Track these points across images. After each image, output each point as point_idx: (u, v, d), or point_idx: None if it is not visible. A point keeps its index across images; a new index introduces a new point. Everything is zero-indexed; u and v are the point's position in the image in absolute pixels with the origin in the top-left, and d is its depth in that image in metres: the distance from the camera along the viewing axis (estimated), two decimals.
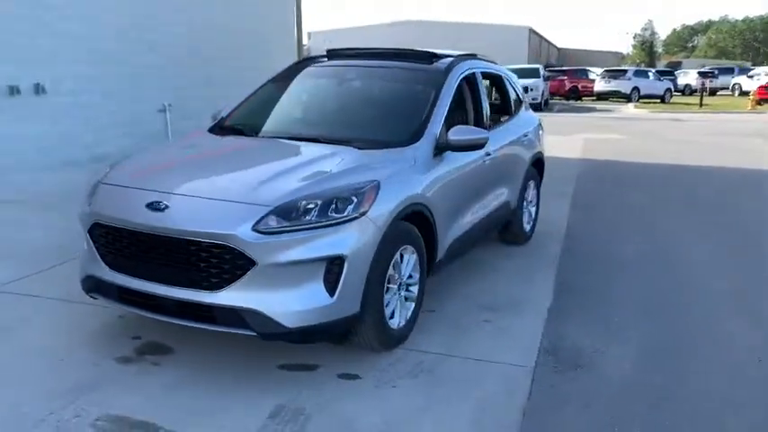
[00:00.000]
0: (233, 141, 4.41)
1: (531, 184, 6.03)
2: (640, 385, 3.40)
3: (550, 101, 31.22)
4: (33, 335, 3.87)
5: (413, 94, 4.53)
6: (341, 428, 2.93)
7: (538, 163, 6.20)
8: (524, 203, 5.87)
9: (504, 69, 5.88)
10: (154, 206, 3.29)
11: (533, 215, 6.24)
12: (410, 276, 3.82)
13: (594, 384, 3.40)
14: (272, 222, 3.12)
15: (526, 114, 6.07)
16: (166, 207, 3.27)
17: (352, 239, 3.24)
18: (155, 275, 3.27)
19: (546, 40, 65.11)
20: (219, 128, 4.64)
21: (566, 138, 15.22)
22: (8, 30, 8.82)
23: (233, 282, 3.12)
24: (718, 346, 3.92)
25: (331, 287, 3.20)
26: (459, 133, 4.14)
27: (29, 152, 9.11)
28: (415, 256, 3.81)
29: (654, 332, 4.10)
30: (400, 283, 3.73)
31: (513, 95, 5.89)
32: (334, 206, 3.24)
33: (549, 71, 35.77)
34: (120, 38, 10.81)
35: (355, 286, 3.28)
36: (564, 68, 41.80)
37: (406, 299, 3.83)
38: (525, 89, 14.91)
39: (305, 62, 5.28)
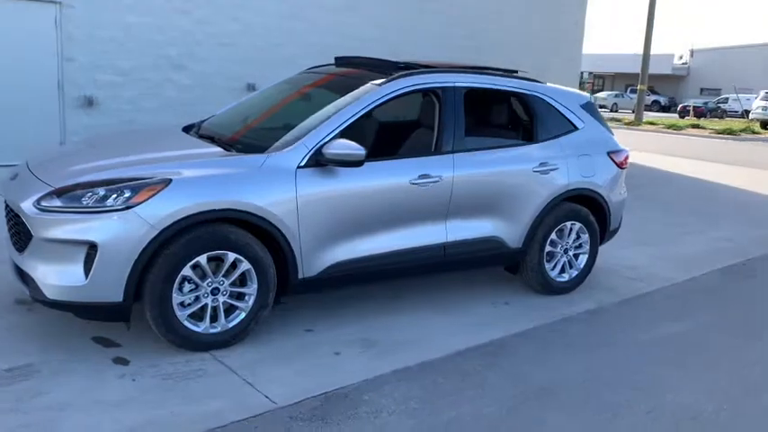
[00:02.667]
0: (153, 135, 4.81)
1: (568, 225, 5.03)
2: None
3: None
4: None
5: (325, 104, 4.30)
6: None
7: (587, 202, 5.13)
8: (544, 245, 4.93)
9: (538, 89, 5.00)
10: (11, 179, 3.94)
11: (579, 265, 5.19)
12: (241, 284, 3.77)
13: None
14: (51, 202, 3.47)
15: (567, 141, 5.04)
16: (15, 180, 3.89)
17: (110, 230, 3.39)
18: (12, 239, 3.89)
19: None
20: (187, 126, 5.04)
21: None
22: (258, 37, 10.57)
23: (25, 248, 3.58)
24: None
25: (87, 271, 3.42)
26: (333, 147, 3.86)
27: None
28: (245, 265, 3.72)
29: None
30: (215, 289, 3.70)
31: (542, 119, 4.97)
32: (110, 195, 3.44)
33: None
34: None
35: (113, 276, 3.42)
36: None
37: (232, 306, 3.78)
38: None
39: (309, 69, 5.36)
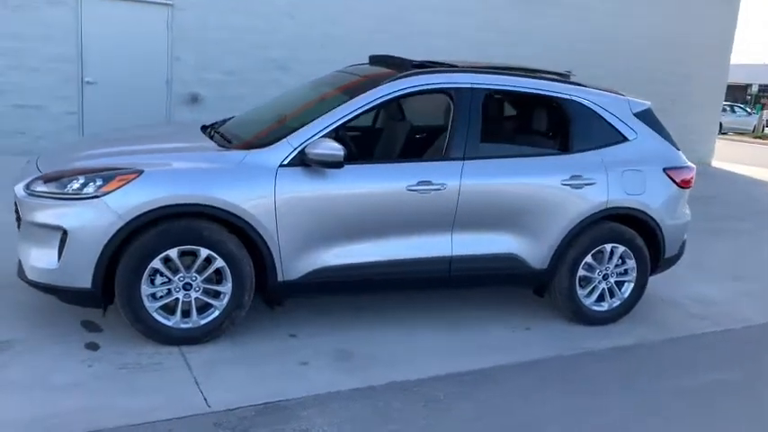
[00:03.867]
0: (170, 129, 4.85)
1: (609, 248, 4.46)
2: None
3: None
4: None
5: (326, 104, 4.12)
6: None
7: (634, 224, 4.52)
8: (576, 269, 4.40)
9: (579, 93, 4.46)
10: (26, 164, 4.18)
11: (622, 294, 4.59)
12: (217, 282, 3.72)
13: None
14: (38, 187, 3.62)
15: (611, 153, 4.45)
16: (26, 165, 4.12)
17: (80, 217, 3.46)
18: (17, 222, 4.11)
19: None
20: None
21: None
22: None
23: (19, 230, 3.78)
24: None
25: (60, 256, 3.52)
26: (314, 147, 3.70)
27: None
28: (219, 263, 3.67)
29: None
30: (188, 284, 3.68)
31: (580, 127, 4.44)
32: (87, 184, 3.52)
33: None
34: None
35: (81, 262, 3.49)
36: None
37: (207, 303, 3.74)
38: None
39: (343, 69, 5.19)
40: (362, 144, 4.40)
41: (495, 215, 4.17)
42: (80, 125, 9.32)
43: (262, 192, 3.67)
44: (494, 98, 4.37)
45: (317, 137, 3.78)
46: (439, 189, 3.99)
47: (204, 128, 4.63)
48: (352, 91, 4.10)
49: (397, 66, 4.45)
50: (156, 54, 9.58)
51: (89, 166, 3.64)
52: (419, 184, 3.95)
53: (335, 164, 3.68)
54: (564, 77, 4.62)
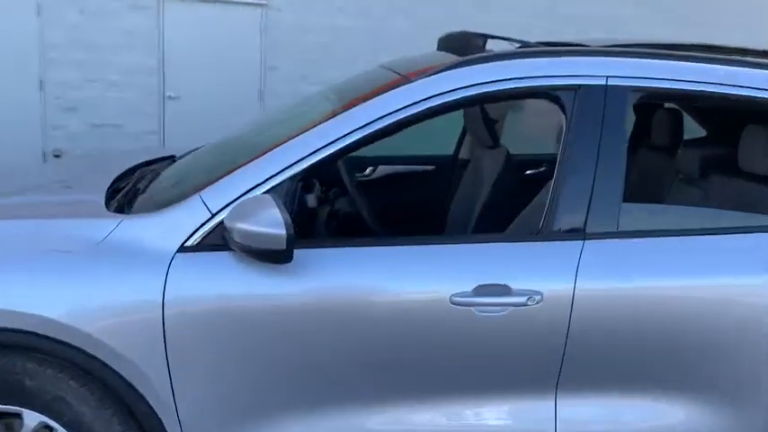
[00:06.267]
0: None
1: None
2: None
3: None
4: None
5: (299, 125, 2.12)
6: None
7: None
8: None
9: None
10: None
11: None
12: None
13: None
14: None
15: None
16: None
17: None
18: None
19: None
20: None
21: None
22: None
23: None
24: None
25: None
26: (237, 215, 1.74)
27: None
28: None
29: None
30: None
31: None
32: None
33: None
34: None
35: None
36: None
37: None
38: None
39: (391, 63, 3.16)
40: (360, 201, 2.38)
41: (657, 358, 1.94)
42: (161, 146, 8.12)
43: (137, 301, 1.79)
44: (653, 107, 2.16)
45: (255, 191, 1.82)
46: (526, 304, 1.85)
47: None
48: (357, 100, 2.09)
49: (464, 48, 2.35)
50: (248, 62, 8.16)
51: None
52: (479, 290, 1.84)
53: (272, 254, 1.69)
54: None
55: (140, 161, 2.77)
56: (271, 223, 1.64)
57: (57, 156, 7.41)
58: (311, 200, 2.34)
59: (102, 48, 7.70)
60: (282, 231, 1.64)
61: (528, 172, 3.13)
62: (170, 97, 7.97)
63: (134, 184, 2.28)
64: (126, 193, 2.19)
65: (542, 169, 2.87)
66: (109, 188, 2.26)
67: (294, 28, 8.16)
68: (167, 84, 7.95)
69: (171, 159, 2.81)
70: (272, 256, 1.69)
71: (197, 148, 2.77)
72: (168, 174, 2.37)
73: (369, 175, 3.20)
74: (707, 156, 2.57)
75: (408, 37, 8.46)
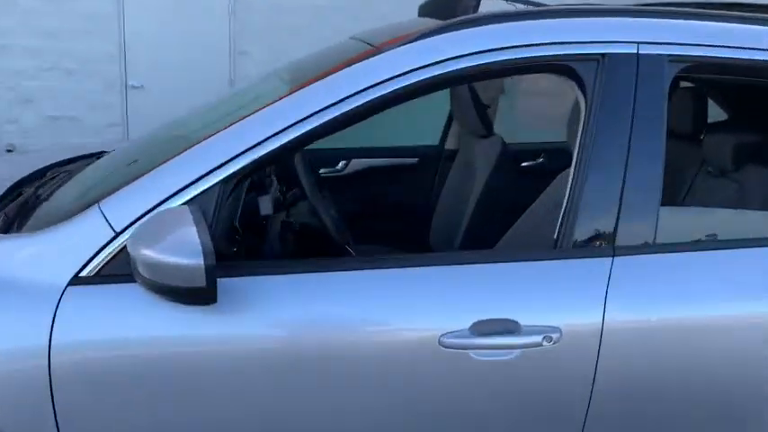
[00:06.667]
0: None
1: None
2: None
3: None
4: None
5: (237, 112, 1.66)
6: None
7: None
8: None
9: None
10: None
11: None
12: None
13: None
14: None
15: None
16: None
17: None
18: None
19: None
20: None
21: None
22: None
23: None
24: None
25: None
26: (140, 238, 1.26)
27: None
28: None
29: None
30: None
31: None
32: None
33: None
34: None
35: None
36: None
37: None
38: None
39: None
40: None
41: (709, 412, 1.50)
42: (125, 140, 7.58)
43: (14, 349, 1.31)
44: (695, 82, 1.71)
45: (172, 201, 1.34)
46: (540, 344, 1.39)
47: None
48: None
49: (452, 11, 1.87)
50: (216, 48, 7.62)
51: None
52: (477, 329, 1.38)
53: (189, 293, 1.21)
54: None
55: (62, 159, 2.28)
56: (184, 249, 1.16)
57: (9, 151, 6.89)
58: (265, 206, 1.86)
59: (59, 34, 7.15)
60: (199, 261, 1.16)
61: (524, 164, 2.70)
62: (133, 87, 7.45)
63: (34, 191, 1.79)
64: (19, 205, 1.70)
65: (550, 162, 2.43)
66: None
67: (267, 9, 7.63)
68: (130, 72, 7.42)
69: (98, 156, 2.32)
70: (188, 296, 1.21)
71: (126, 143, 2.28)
72: (81, 177, 1.87)
73: (341, 171, 2.74)
74: (744, 144, 2.13)
75: (392, 18, 7.95)
